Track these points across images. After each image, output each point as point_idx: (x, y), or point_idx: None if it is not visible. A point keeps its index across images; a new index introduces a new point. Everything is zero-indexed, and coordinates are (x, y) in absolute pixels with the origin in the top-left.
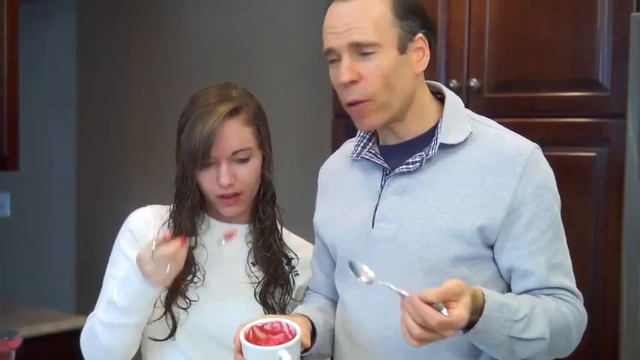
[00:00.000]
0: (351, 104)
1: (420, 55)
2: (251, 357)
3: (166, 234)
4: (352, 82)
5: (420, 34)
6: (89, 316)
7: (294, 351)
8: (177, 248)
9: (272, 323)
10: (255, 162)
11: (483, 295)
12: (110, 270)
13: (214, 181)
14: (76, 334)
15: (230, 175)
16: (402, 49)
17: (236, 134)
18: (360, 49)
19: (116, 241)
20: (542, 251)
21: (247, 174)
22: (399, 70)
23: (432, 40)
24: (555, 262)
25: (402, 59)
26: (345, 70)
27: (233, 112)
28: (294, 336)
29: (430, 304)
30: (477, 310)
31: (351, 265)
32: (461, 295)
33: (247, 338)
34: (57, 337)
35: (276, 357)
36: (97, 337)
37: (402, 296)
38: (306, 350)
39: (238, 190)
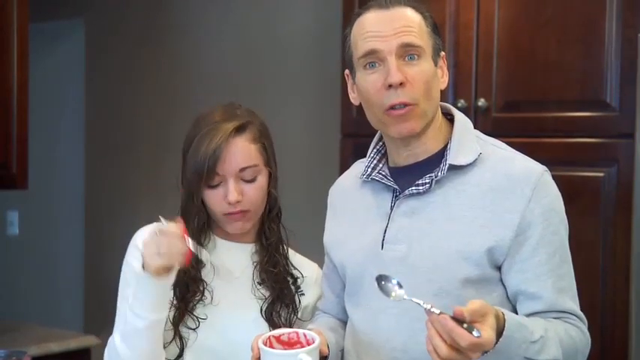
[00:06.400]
0: (393, 108)
1: (441, 72)
2: None
3: (178, 219)
4: (401, 84)
5: (443, 52)
6: (109, 340)
7: (314, 356)
8: (176, 233)
9: (289, 334)
10: (262, 180)
11: (503, 315)
12: (123, 291)
13: (221, 198)
14: (84, 352)
15: (238, 192)
16: (435, 61)
17: (242, 151)
18: (408, 52)
19: (125, 261)
20: (549, 274)
21: (254, 191)
22: (434, 80)
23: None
24: (562, 285)
25: (435, 71)
26: (395, 71)
27: (239, 129)
28: (311, 345)
29: (461, 323)
30: (498, 331)
31: (379, 281)
32: (486, 316)
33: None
34: (65, 356)
35: None
36: (117, 352)
37: (430, 313)
38: (324, 359)
39: (245, 208)
